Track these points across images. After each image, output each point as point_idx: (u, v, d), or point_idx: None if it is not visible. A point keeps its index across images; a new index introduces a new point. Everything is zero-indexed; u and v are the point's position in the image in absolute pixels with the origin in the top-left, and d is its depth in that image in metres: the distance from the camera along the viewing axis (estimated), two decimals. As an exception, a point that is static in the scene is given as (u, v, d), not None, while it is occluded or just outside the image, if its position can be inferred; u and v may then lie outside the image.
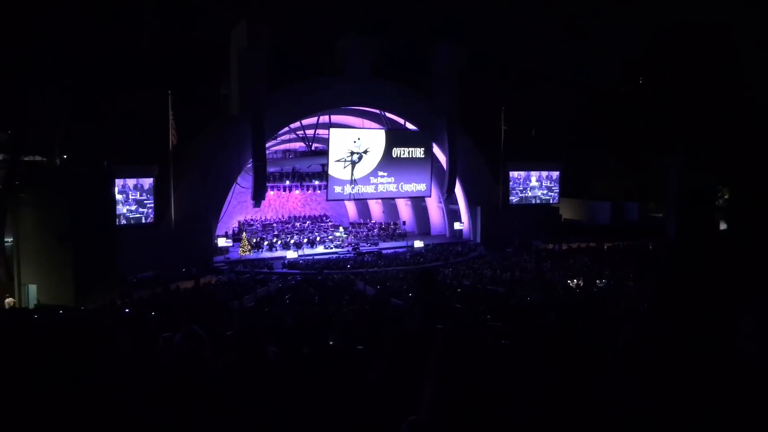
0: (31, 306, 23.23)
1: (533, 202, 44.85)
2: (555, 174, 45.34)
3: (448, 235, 44.27)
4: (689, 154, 40.59)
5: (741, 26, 46.35)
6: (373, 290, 25.93)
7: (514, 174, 44.12)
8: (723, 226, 43.18)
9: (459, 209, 43.51)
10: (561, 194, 45.94)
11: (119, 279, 26.16)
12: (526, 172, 44.51)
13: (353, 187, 39.66)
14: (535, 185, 44.82)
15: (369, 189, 40.46)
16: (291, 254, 36.23)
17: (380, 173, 40.15)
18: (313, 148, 39.86)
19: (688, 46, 46.37)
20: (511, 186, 44.04)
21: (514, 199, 44.16)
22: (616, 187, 49.11)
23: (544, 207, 45.09)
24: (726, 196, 44.35)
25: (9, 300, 24.00)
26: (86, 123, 31.55)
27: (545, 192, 45.25)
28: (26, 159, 29.96)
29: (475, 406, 2.93)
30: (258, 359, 5.28)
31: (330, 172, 38.55)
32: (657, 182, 43.83)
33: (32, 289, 24.39)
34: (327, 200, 41.95)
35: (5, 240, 26.87)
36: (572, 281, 26.06)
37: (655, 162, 43.78)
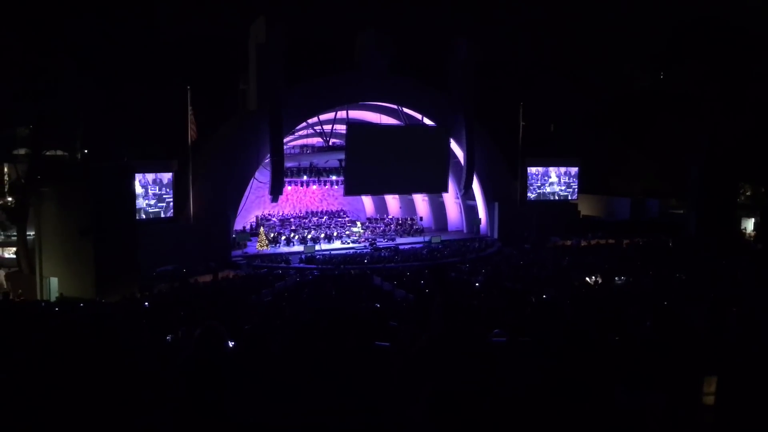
0: (53, 299, 23.58)
1: (551, 198, 44.55)
2: (574, 170, 45.00)
3: (465, 230, 44.16)
4: (711, 150, 40.14)
5: (764, 23, 45.61)
6: (390, 285, 25.94)
7: (532, 170, 43.87)
8: (745, 222, 42.65)
9: (476, 205, 43.36)
10: (580, 190, 45.58)
11: (139, 272, 26.45)
12: (544, 168, 44.23)
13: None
14: (554, 181, 44.51)
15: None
16: (308, 249, 36.34)
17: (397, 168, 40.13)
18: (330, 143, 39.91)
19: (710, 42, 45.71)
20: (529, 182, 43.80)
21: (531, 195, 43.91)
22: (636, 183, 48.65)
23: (562, 203, 44.78)
24: (748, 193, 43.77)
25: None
26: (107, 118, 31.89)
27: (564, 188, 44.93)
28: (48, 154, 30.36)
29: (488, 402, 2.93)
30: (274, 353, 5.31)
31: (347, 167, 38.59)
32: (678, 178, 43.42)
33: (53, 282, 24.75)
34: (344, 195, 41.99)
35: (27, 233, 27.27)
36: (591, 278, 25.84)
37: (675, 158, 43.37)
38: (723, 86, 43.98)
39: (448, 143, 40.98)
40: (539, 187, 44.27)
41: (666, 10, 53.42)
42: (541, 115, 46.91)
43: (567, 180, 44.92)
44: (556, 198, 44.71)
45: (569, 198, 45.24)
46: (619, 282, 24.77)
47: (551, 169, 44.39)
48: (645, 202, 48.10)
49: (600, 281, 25.15)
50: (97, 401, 3.29)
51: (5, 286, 26.94)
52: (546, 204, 43.82)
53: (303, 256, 35.23)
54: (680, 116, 44.95)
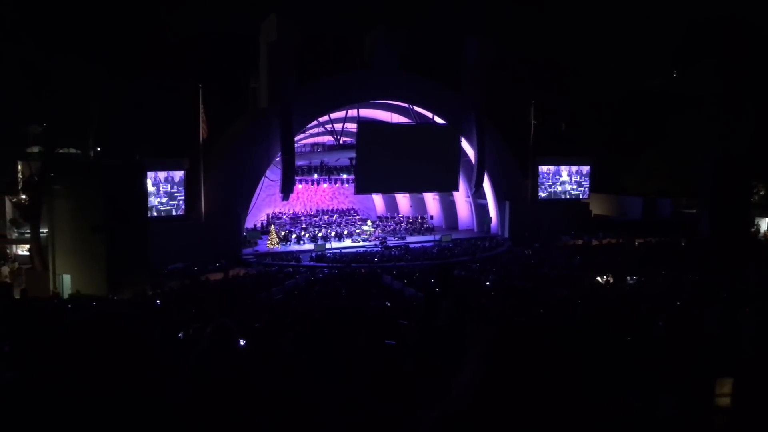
0: (66, 296, 23.75)
1: (563, 197, 44.37)
2: (585, 169, 44.79)
3: (476, 229, 44.07)
4: (724, 149, 39.82)
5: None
6: (400, 284, 25.95)
7: (543, 169, 43.70)
8: (758, 222, 42.26)
9: (487, 204, 43.25)
10: (591, 189, 45.36)
11: (150, 270, 26.59)
12: (555, 167, 44.05)
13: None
14: (565, 180, 44.32)
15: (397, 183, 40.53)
16: (318, 247, 36.42)
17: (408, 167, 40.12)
18: (341, 141, 39.95)
19: (724, 41, 45.35)
20: (540, 181, 43.63)
21: (542, 194, 43.74)
22: (648, 182, 48.31)
23: (573, 202, 44.59)
24: (761, 192, 43.37)
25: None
26: (119, 117, 32.09)
27: (575, 187, 44.74)
28: (61, 152, 30.58)
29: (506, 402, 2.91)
30: (286, 351, 5.32)
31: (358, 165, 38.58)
32: (690, 177, 43.08)
33: (66, 279, 24.94)
34: (355, 194, 42.01)
35: (40, 231, 27.48)
36: (602, 277, 25.72)
37: (688, 157, 43.04)
38: (736, 85, 43.62)
39: (459, 142, 40.90)
40: (550, 186, 44.09)
41: (679, 9, 52.99)
42: (552, 113, 46.72)
43: (578, 179, 44.73)
44: (568, 197, 44.52)
45: (580, 197, 45.05)
46: (631, 282, 24.64)
47: (562, 168, 44.20)
48: (657, 202, 47.77)
49: (611, 281, 25.03)
50: (109, 398, 3.31)
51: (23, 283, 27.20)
52: (557, 203, 43.65)
53: (313, 255, 35.30)
54: (693, 115, 44.62)
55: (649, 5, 54.67)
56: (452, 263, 30.36)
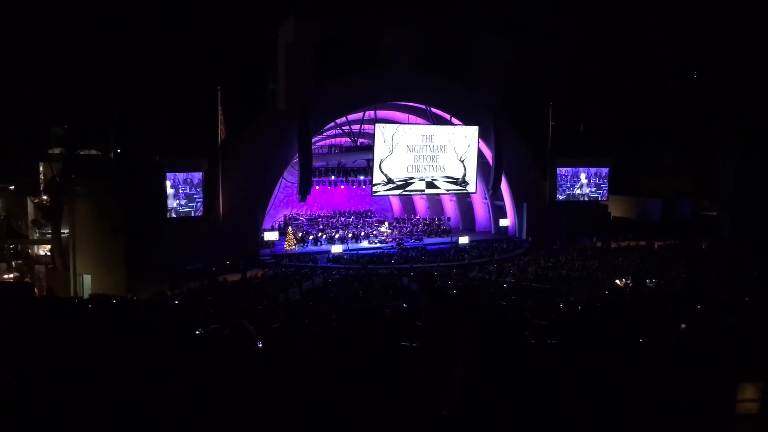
0: (86, 296, 23.98)
1: (581, 199, 44.01)
2: (604, 171, 44.39)
3: (493, 231, 43.85)
4: (745, 150, 39.23)
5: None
6: (417, 286, 25.87)
7: (561, 170, 43.38)
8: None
9: (504, 205, 43.03)
10: (610, 191, 44.95)
11: (169, 270, 26.79)
12: (573, 169, 43.70)
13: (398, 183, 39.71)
14: (584, 183, 43.96)
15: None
16: (336, 249, 36.48)
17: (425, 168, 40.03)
18: (358, 143, 39.96)
19: (744, 40, 44.77)
20: (558, 182, 43.31)
21: (561, 196, 43.43)
22: (668, 184, 47.79)
23: (592, 204, 44.22)
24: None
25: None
26: (139, 119, 32.40)
27: (593, 189, 44.36)
28: (82, 153, 30.94)
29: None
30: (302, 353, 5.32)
31: (375, 167, 38.54)
32: (711, 179, 42.51)
33: (87, 279, 25.18)
34: (372, 195, 42.03)
35: (62, 231, 27.83)
36: (621, 280, 25.46)
37: (709, 158, 42.48)
38: (757, 84, 43.03)
39: (477, 143, 40.75)
40: (569, 188, 43.77)
41: (699, 8, 52.38)
42: (571, 114, 46.39)
43: (597, 181, 44.35)
44: (586, 199, 44.16)
45: (599, 199, 44.66)
46: (651, 285, 24.36)
47: (581, 170, 43.84)
48: (677, 203, 47.23)
49: (630, 284, 24.78)
50: (126, 396, 3.34)
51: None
52: (575, 205, 43.31)
53: (330, 256, 35.37)
54: (713, 116, 44.06)
55: (669, 5, 54.09)
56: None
